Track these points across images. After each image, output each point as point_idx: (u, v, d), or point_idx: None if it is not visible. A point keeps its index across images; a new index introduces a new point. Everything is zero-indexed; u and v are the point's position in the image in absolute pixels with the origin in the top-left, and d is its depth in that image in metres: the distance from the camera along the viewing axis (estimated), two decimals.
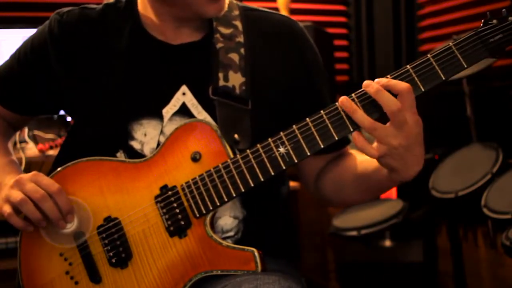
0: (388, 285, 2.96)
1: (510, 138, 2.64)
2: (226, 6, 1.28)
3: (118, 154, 1.29)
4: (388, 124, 1.08)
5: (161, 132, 1.28)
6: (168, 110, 1.28)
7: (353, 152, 1.36)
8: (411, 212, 2.86)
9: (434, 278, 2.97)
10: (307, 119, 1.15)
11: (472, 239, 2.78)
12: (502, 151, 2.41)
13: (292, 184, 2.62)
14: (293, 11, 3.03)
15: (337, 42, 3.47)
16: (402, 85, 1.07)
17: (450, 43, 1.11)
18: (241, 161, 1.17)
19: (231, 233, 1.30)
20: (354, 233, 2.64)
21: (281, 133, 1.16)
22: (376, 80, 1.09)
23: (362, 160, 1.28)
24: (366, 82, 1.09)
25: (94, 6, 1.37)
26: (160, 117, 1.28)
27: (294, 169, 1.38)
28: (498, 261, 2.64)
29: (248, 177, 1.17)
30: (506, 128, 2.78)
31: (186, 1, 1.24)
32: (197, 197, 1.19)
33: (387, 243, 3.01)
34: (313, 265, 3.19)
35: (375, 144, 1.09)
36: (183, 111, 1.28)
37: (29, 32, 2.35)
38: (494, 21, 1.11)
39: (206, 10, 1.24)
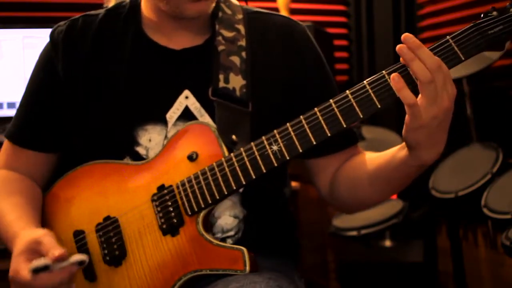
0: (388, 285, 2.96)
1: (510, 138, 2.64)
2: (210, 8, 1.26)
3: (124, 160, 1.29)
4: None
5: (166, 137, 1.28)
6: (172, 115, 1.28)
7: (367, 152, 1.35)
8: (411, 212, 2.86)
9: (434, 278, 2.97)
10: (301, 116, 1.15)
11: (472, 239, 2.78)
12: (502, 151, 2.41)
13: (292, 184, 2.62)
14: (293, 11, 3.03)
15: (337, 42, 3.47)
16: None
17: (448, 36, 1.09)
18: (234, 159, 1.18)
19: (232, 233, 1.30)
20: (354, 233, 2.64)
21: (275, 131, 1.16)
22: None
23: (378, 154, 1.26)
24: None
25: (96, 12, 1.37)
26: (164, 122, 1.28)
27: (297, 170, 1.37)
28: (498, 261, 2.64)
29: (240, 174, 1.17)
30: (506, 128, 2.77)
31: None
32: (190, 195, 1.19)
33: (387, 243, 3.01)
34: (313, 265, 3.19)
35: (418, 98, 1.06)
36: (187, 115, 1.28)
37: (29, 32, 2.37)
38: (494, 13, 1.09)
39: (185, 8, 1.23)
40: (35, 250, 1.08)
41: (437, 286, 2.98)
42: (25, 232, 1.14)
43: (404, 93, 1.05)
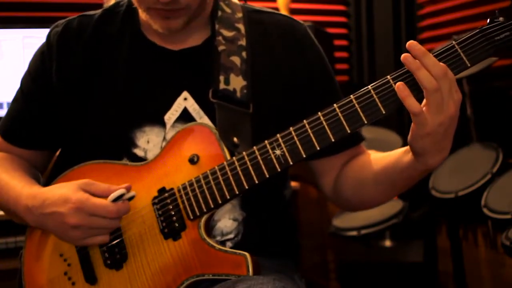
0: (388, 285, 2.95)
1: (510, 138, 2.64)
2: (182, 26, 1.23)
3: (122, 161, 1.28)
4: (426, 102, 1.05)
5: (164, 138, 1.27)
6: (170, 116, 1.27)
7: (371, 151, 1.34)
8: (411, 212, 2.86)
9: (434, 278, 2.97)
10: (304, 120, 1.14)
11: (472, 239, 2.78)
12: (502, 151, 2.41)
13: (292, 184, 2.62)
14: (293, 11, 3.02)
15: (337, 42, 3.47)
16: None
17: (453, 42, 1.07)
18: (236, 163, 1.16)
19: (231, 236, 1.29)
20: (354, 233, 2.64)
21: (278, 135, 1.15)
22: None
23: (384, 154, 1.26)
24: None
25: (93, 12, 1.36)
26: (162, 123, 1.27)
27: (297, 170, 1.36)
28: (498, 261, 2.64)
29: (243, 179, 1.16)
30: (506, 128, 2.77)
31: (140, 7, 1.23)
32: (192, 199, 1.19)
33: (387, 243, 3.01)
34: (313, 265, 3.19)
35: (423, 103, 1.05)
36: (185, 117, 1.27)
37: (29, 32, 2.36)
38: (501, 18, 1.07)
39: (154, 22, 1.23)
40: (87, 190, 1.17)
41: (437, 286, 2.98)
42: (60, 185, 1.20)
43: (409, 101, 1.05)
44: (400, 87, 1.05)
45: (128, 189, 1.18)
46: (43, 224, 1.20)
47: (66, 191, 1.16)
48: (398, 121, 3.27)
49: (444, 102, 1.04)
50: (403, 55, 1.05)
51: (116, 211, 1.15)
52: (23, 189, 1.24)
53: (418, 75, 1.04)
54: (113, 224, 1.16)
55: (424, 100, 1.05)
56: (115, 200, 1.15)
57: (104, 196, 1.16)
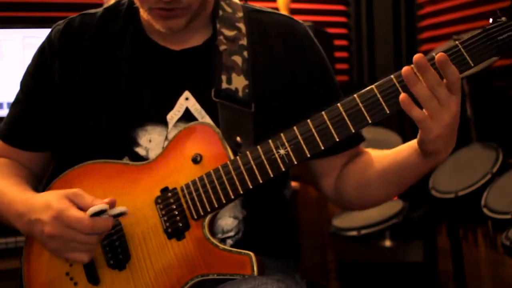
0: (388, 285, 2.96)
1: (510, 138, 2.64)
2: (183, 26, 1.23)
3: (123, 160, 1.28)
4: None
5: (166, 138, 1.27)
6: (173, 116, 1.27)
7: (370, 150, 1.35)
8: (411, 212, 2.86)
9: (434, 278, 2.97)
10: (308, 120, 1.14)
11: (472, 239, 2.78)
12: (502, 151, 2.41)
13: (292, 184, 2.61)
14: (293, 11, 3.02)
15: (337, 42, 3.47)
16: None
17: (457, 42, 1.08)
18: (240, 163, 1.16)
19: (231, 233, 1.29)
20: (354, 233, 2.64)
21: (281, 135, 1.15)
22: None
23: (386, 153, 1.26)
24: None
25: (95, 11, 1.36)
26: (164, 123, 1.27)
27: (297, 170, 1.35)
28: (498, 261, 2.64)
29: (247, 178, 1.16)
30: (506, 128, 2.77)
31: (142, 7, 1.23)
32: (196, 198, 1.18)
33: (387, 243, 3.01)
34: (313, 265, 3.19)
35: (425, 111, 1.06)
36: (187, 116, 1.27)
37: (29, 32, 2.36)
38: (503, 18, 1.08)
39: (155, 23, 1.23)
40: (73, 201, 1.12)
41: (437, 286, 2.98)
42: (50, 192, 1.17)
43: (414, 113, 1.06)
44: (404, 100, 1.06)
45: (112, 204, 1.11)
46: (30, 231, 1.17)
47: (50, 198, 1.13)
48: (398, 121, 3.27)
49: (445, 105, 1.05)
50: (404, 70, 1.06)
51: (90, 227, 1.08)
52: (16, 194, 1.22)
53: (416, 90, 1.05)
54: (89, 240, 1.10)
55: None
56: (94, 215, 1.08)
57: (86, 209, 1.10)
